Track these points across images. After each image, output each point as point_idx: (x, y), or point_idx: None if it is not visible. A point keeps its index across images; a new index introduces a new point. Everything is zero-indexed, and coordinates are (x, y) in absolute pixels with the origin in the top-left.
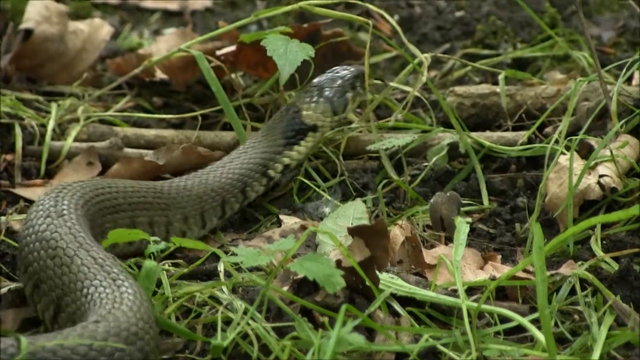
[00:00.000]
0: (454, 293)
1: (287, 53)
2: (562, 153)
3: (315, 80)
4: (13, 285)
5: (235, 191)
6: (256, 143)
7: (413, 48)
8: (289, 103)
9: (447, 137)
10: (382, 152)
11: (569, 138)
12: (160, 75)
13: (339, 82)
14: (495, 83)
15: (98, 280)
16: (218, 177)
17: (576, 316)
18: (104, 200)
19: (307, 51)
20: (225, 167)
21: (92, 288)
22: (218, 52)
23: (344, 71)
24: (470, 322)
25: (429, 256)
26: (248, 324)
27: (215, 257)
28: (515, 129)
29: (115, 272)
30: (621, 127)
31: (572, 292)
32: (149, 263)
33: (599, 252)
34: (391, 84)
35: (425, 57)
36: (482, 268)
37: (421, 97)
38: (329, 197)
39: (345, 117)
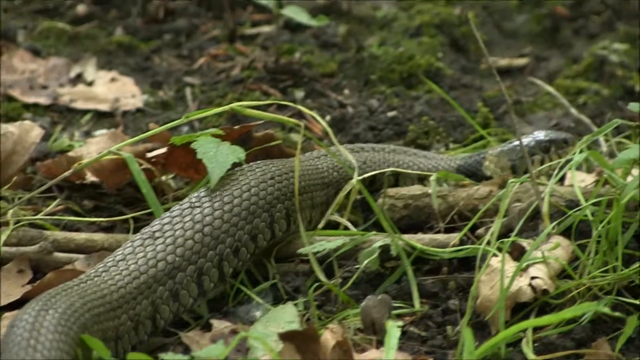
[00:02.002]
0: None
1: (218, 156)
2: (494, 255)
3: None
4: None
5: None
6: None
7: (343, 150)
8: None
9: (378, 240)
10: (312, 255)
11: (500, 240)
12: (90, 177)
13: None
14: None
15: None
16: None
17: None
18: None
19: (238, 154)
20: None
21: None
22: (149, 154)
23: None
24: None
25: None
26: None
27: None
28: (447, 230)
29: None
30: (553, 228)
31: None
32: None
33: (530, 355)
34: None
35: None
36: None
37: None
38: (260, 301)
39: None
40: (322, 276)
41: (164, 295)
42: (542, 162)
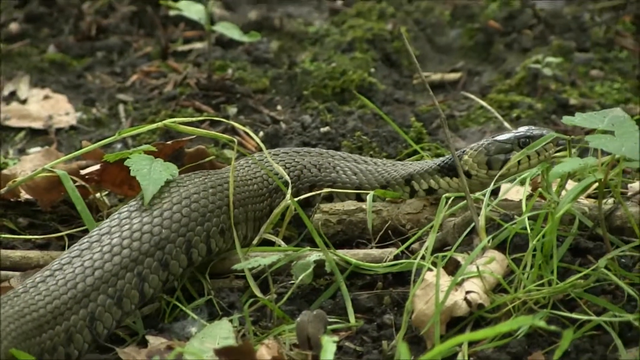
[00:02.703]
0: None
1: (151, 173)
2: (429, 269)
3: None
4: None
5: None
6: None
7: (277, 166)
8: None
9: (313, 255)
10: (247, 271)
11: (435, 254)
12: (25, 195)
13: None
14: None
15: None
16: None
17: None
18: None
19: (171, 170)
20: None
21: None
22: (83, 172)
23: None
24: None
25: None
26: None
27: None
28: (382, 245)
29: None
30: (488, 242)
31: None
32: None
33: None
34: None
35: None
36: None
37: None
38: (196, 317)
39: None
40: (257, 292)
41: (86, 318)
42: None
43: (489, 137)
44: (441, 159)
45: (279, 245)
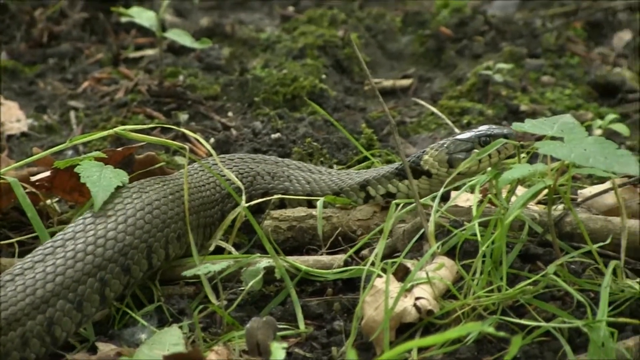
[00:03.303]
0: None
1: (101, 179)
2: (379, 276)
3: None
4: None
5: None
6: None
7: (228, 172)
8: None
9: (263, 261)
10: (203, 276)
11: (385, 261)
12: None
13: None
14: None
15: None
16: None
17: None
18: None
19: (121, 177)
20: None
21: None
22: (33, 178)
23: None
24: None
25: None
26: None
27: None
28: (332, 251)
29: None
30: (438, 248)
31: None
32: None
33: None
34: None
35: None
36: None
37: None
38: (145, 324)
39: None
40: (212, 297)
41: (43, 324)
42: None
43: (451, 136)
44: (399, 162)
45: (229, 252)
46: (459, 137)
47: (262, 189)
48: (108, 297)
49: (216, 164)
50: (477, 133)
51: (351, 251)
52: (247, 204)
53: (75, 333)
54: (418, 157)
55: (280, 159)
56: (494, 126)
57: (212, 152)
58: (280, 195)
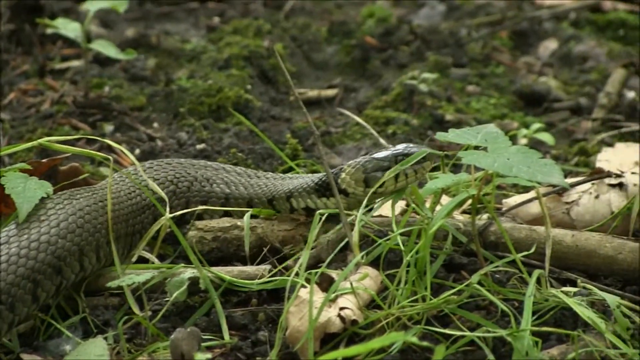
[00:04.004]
0: None
1: (26, 191)
2: (303, 286)
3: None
4: None
5: None
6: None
7: (152, 183)
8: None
9: (187, 272)
10: (126, 287)
11: (309, 271)
12: None
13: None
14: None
15: None
16: None
17: None
18: None
19: (45, 188)
20: None
21: None
22: None
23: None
24: None
25: None
26: None
27: None
28: (257, 262)
29: None
30: (362, 258)
31: None
32: None
33: None
34: None
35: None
36: None
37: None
38: (70, 335)
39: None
40: (136, 309)
41: None
42: (396, 176)
43: (367, 154)
44: (317, 176)
45: (153, 263)
46: (375, 155)
47: (198, 194)
48: (40, 298)
49: (149, 170)
50: (394, 152)
51: (280, 267)
52: (171, 215)
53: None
54: (336, 174)
55: (221, 164)
56: (410, 144)
57: (137, 163)
58: (203, 207)
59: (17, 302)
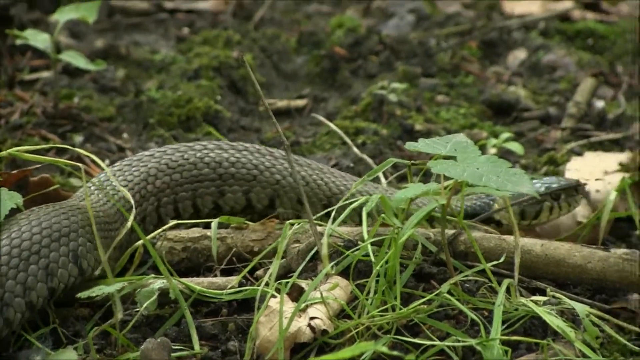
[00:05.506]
0: None
1: None
2: (273, 296)
3: None
4: None
5: None
6: None
7: (124, 191)
8: None
9: (157, 282)
10: (117, 294)
11: (279, 281)
12: None
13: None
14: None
15: None
16: None
17: None
18: None
19: (15, 199)
20: None
21: None
22: None
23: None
24: None
25: None
26: None
27: None
28: (227, 272)
29: None
30: (332, 268)
31: None
32: None
33: None
34: None
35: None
36: None
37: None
38: (40, 346)
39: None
40: (119, 312)
41: None
42: (551, 209)
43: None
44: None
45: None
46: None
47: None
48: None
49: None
50: (549, 186)
51: (244, 272)
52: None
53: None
54: (488, 204)
55: None
56: (561, 178)
57: (109, 172)
58: (175, 221)
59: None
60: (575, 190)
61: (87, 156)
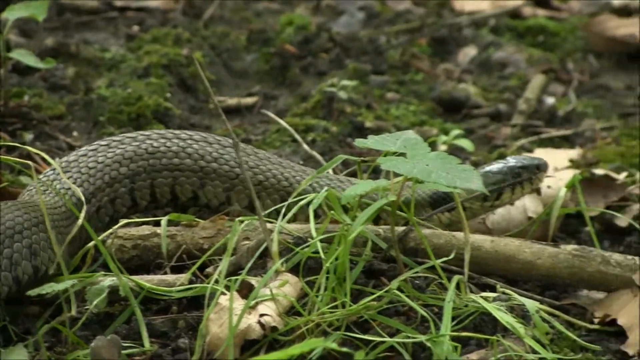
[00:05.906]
0: None
1: None
2: (223, 293)
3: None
4: None
5: None
6: None
7: (75, 188)
8: None
9: (107, 280)
10: (71, 291)
11: (229, 278)
12: None
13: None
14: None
15: None
16: None
17: None
18: None
19: None
20: None
21: None
22: None
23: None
24: None
25: None
26: None
27: None
28: (177, 269)
29: None
30: (282, 265)
31: None
32: None
33: None
34: None
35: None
36: None
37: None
38: None
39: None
40: (73, 309)
41: None
42: (513, 188)
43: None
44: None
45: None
46: (489, 169)
47: None
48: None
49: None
50: (510, 165)
51: (194, 268)
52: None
53: None
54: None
55: None
56: (524, 156)
57: (59, 169)
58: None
59: None
60: (537, 168)
61: (37, 154)
